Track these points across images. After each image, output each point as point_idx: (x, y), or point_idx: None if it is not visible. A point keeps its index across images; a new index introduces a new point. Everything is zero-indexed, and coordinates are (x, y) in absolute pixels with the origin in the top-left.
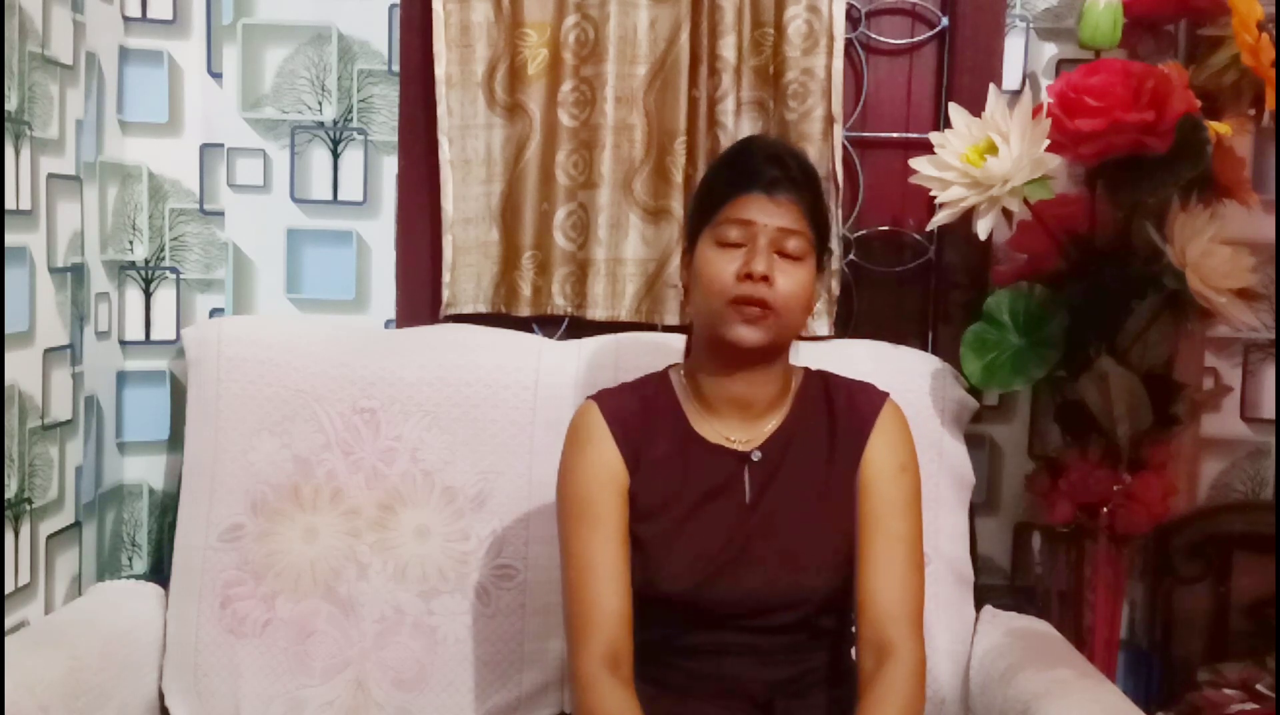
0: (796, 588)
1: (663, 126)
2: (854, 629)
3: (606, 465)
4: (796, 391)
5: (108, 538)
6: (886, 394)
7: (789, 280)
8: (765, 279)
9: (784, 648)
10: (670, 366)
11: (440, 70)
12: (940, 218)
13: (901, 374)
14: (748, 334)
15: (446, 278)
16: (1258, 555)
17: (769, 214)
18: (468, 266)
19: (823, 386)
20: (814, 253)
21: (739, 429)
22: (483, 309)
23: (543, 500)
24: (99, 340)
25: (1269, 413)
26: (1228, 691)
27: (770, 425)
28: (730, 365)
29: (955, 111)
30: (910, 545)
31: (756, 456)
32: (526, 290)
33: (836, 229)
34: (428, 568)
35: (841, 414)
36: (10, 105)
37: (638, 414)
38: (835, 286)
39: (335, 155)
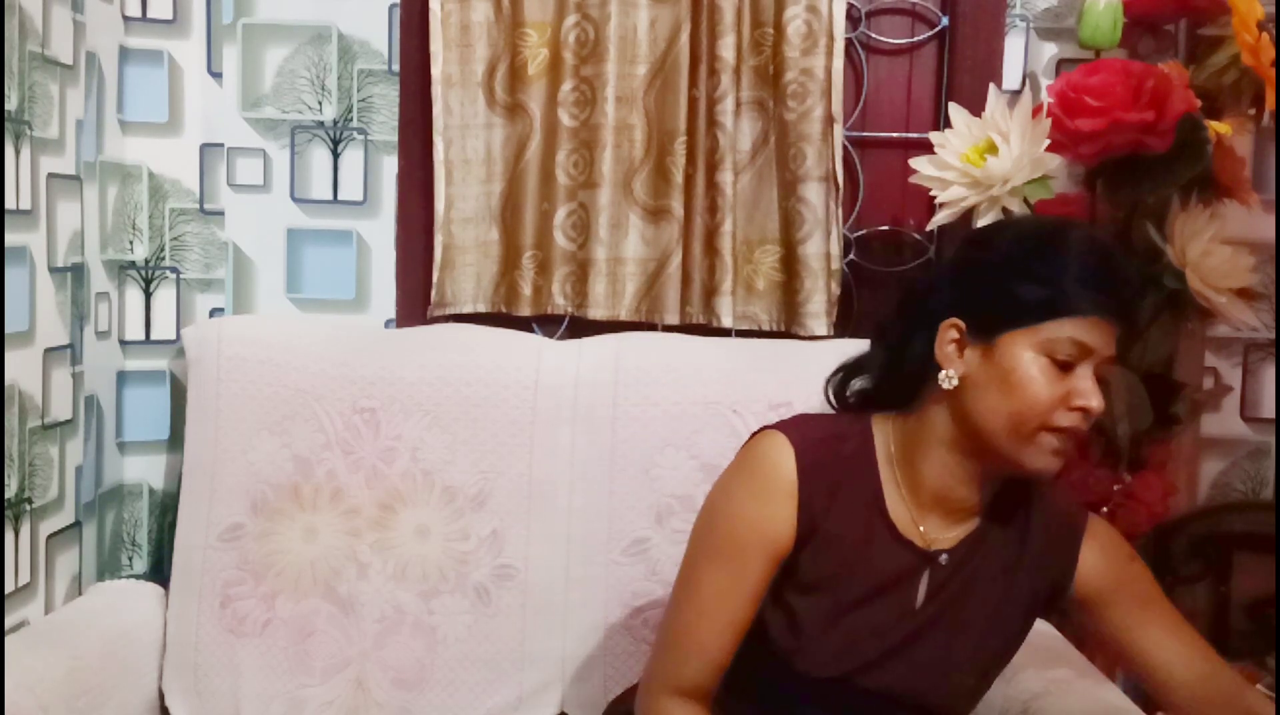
0: (937, 698)
1: (663, 126)
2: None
3: (775, 527)
4: (996, 494)
5: (108, 537)
6: (1088, 511)
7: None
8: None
9: None
10: (876, 418)
11: (437, 70)
12: (940, 218)
13: None
14: (1051, 466)
15: (435, 277)
16: (1258, 555)
17: (1106, 344)
18: (467, 266)
19: (1025, 492)
20: None
21: (933, 523)
22: (483, 308)
23: (543, 500)
24: (99, 340)
25: (1269, 413)
26: None
27: (964, 528)
28: (975, 471)
29: (955, 111)
30: (1180, 618)
31: (943, 560)
32: (527, 290)
33: (837, 230)
34: (428, 567)
35: (1038, 529)
36: (10, 105)
37: (832, 471)
38: (835, 287)
39: (335, 155)
